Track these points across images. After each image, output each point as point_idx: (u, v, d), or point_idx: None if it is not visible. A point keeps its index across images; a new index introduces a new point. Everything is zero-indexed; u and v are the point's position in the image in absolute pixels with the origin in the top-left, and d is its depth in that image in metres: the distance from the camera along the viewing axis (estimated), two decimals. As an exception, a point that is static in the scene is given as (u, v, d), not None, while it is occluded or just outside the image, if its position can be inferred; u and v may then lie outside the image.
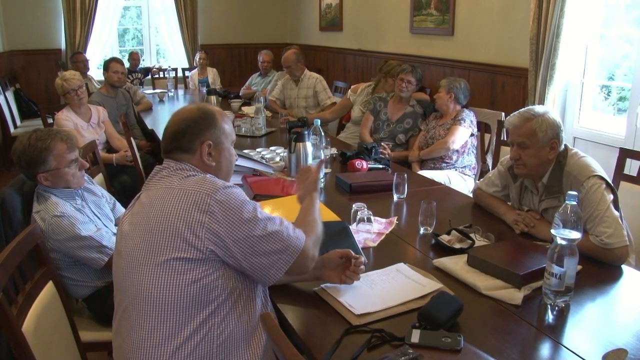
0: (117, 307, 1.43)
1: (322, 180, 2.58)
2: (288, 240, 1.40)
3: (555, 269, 1.47)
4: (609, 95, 3.86)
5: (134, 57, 7.06)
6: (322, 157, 2.68)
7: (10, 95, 6.14)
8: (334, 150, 3.19)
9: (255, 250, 1.36)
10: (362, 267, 1.61)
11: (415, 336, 1.31)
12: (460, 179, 3.43)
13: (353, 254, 1.62)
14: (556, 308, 1.49)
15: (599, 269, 1.75)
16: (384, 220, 2.13)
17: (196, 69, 6.82)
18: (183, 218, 1.33)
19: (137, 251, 1.36)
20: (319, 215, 1.62)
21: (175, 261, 1.32)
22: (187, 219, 1.32)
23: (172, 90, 6.25)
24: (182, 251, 1.32)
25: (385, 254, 1.85)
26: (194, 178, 1.41)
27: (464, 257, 1.76)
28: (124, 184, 3.69)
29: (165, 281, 1.32)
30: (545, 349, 1.35)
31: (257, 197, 2.24)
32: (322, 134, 2.78)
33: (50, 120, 4.53)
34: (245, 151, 3.04)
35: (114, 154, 3.77)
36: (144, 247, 1.35)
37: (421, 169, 3.49)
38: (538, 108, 2.00)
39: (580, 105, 3.72)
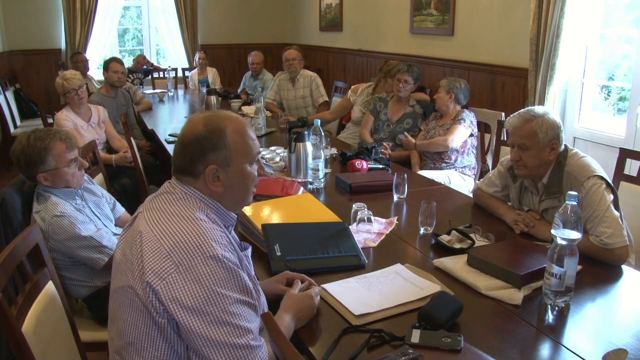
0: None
1: (322, 180, 2.59)
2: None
3: (555, 269, 1.47)
4: (609, 96, 3.86)
5: (139, 60, 7.04)
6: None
7: (10, 95, 6.14)
8: (334, 150, 3.19)
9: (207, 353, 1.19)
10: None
11: (415, 336, 1.31)
12: (460, 179, 3.43)
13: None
14: (556, 308, 1.49)
15: (599, 269, 1.75)
16: (384, 220, 2.13)
17: (196, 69, 6.83)
18: (144, 274, 1.20)
19: (114, 276, 1.32)
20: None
21: (137, 304, 1.23)
22: (141, 282, 1.20)
23: (172, 90, 6.25)
24: (139, 301, 1.22)
25: (385, 254, 1.85)
26: (183, 227, 1.23)
27: (464, 257, 1.76)
28: (125, 186, 3.68)
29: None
30: (545, 349, 1.35)
31: (257, 197, 2.25)
32: (322, 134, 2.78)
33: (50, 120, 4.53)
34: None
35: (113, 155, 3.77)
36: (116, 276, 1.30)
37: (421, 169, 3.49)
38: (538, 109, 2.00)
39: (580, 106, 3.72)
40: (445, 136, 3.43)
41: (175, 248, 1.21)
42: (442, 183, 2.92)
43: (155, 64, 7.61)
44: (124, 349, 1.28)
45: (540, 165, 1.98)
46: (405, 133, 3.66)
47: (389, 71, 4.08)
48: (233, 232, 1.43)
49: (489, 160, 3.55)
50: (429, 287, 1.58)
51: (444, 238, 1.92)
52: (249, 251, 1.45)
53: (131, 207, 1.88)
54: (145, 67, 7.10)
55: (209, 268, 1.20)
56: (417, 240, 1.98)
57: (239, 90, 5.89)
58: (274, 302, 1.49)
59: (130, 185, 3.71)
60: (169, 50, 7.87)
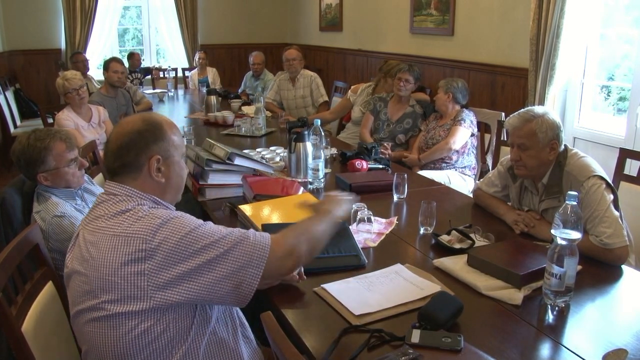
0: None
1: (322, 180, 2.59)
2: (252, 250, 1.30)
3: (555, 269, 1.47)
4: (609, 96, 3.86)
5: (136, 57, 7.05)
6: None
7: (10, 95, 6.14)
8: (334, 150, 3.19)
9: (216, 277, 1.26)
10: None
11: (416, 336, 1.31)
12: (460, 179, 3.43)
13: None
14: (556, 308, 1.49)
15: (599, 269, 1.75)
16: (384, 220, 2.13)
17: (196, 69, 6.83)
18: (119, 272, 1.22)
19: (78, 298, 1.30)
20: (320, 231, 1.49)
21: (115, 316, 1.23)
22: (123, 272, 1.21)
23: (172, 90, 6.25)
24: (122, 304, 1.22)
25: (385, 254, 1.85)
26: (130, 218, 1.27)
27: (464, 257, 1.76)
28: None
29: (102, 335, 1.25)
30: (545, 349, 1.35)
31: (257, 197, 2.25)
32: (322, 134, 2.78)
33: (50, 120, 4.53)
34: (245, 151, 3.04)
35: None
36: (82, 297, 1.29)
37: (421, 169, 3.49)
38: (538, 109, 2.00)
39: (580, 106, 3.73)
40: (447, 139, 3.42)
41: (138, 233, 1.24)
42: (442, 183, 2.92)
43: (155, 64, 7.61)
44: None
45: (540, 165, 1.98)
46: (405, 153, 3.63)
47: (388, 71, 4.08)
48: None
49: (489, 160, 3.55)
50: (429, 287, 1.58)
51: (444, 238, 1.92)
52: None
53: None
54: (141, 66, 7.10)
55: (168, 230, 1.25)
56: (417, 240, 1.98)
57: (239, 91, 5.90)
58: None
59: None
60: (169, 50, 7.86)
